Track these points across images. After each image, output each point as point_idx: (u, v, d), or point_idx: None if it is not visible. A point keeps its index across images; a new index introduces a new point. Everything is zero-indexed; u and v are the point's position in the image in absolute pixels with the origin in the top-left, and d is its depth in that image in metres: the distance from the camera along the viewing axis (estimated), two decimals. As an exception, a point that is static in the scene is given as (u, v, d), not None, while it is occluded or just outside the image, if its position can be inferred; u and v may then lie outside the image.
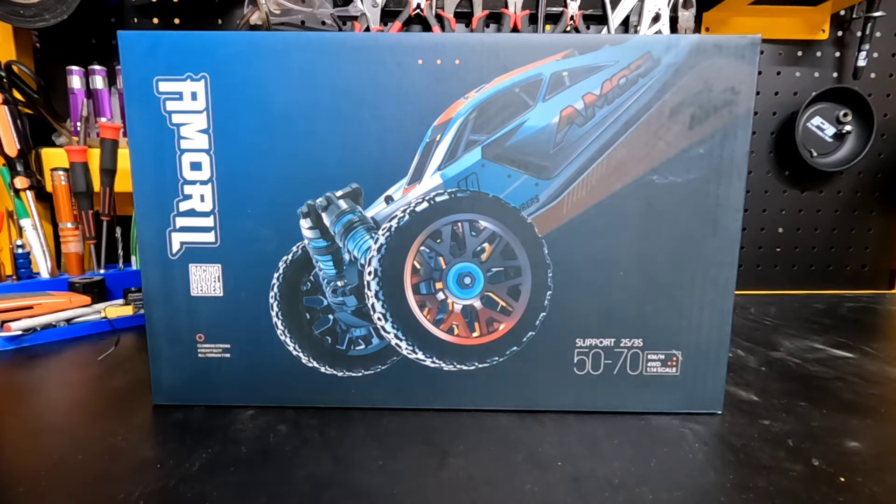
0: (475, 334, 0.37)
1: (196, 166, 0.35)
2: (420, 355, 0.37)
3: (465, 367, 0.38)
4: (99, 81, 0.68)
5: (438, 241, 0.36)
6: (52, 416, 0.37)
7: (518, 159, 0.35)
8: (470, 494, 0.28)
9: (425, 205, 0.36)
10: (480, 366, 0.38)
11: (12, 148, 0.60)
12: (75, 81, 0.68)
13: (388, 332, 0.37)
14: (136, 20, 0.74)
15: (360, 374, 0.38)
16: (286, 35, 0.34)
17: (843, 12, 0.74)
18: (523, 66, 0.34)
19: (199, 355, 0.37)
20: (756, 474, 0.30)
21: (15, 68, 0.64)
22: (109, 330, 0.56)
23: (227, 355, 0.37)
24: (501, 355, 0.37)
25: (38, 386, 0.43)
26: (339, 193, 0.36)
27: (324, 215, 0.36)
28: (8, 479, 0.29)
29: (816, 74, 0.77)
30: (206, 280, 0.37)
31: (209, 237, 0.36)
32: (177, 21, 0.74)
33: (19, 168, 0.61)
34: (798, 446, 0.33)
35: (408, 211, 0.36)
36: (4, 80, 0.63)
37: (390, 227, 0.36)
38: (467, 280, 0.37)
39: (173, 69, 0.34)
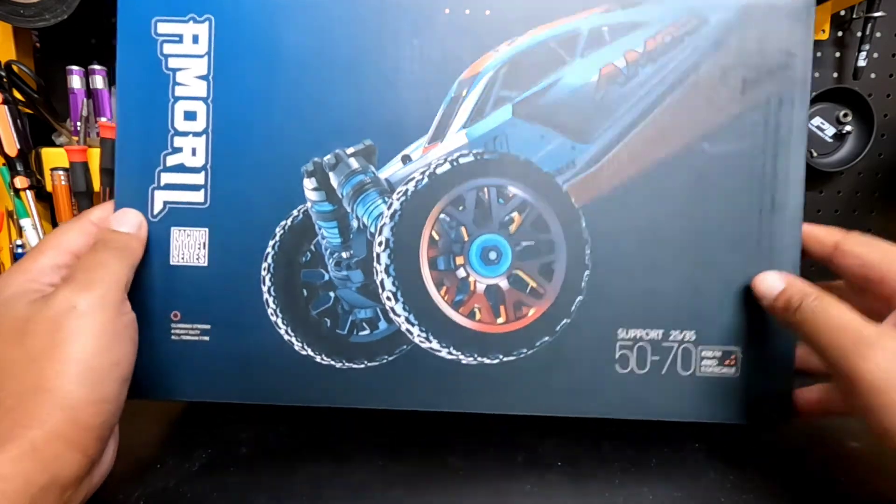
0: (500, 320, 0.32)
1: (190, 116, 0.31)
2: (434, 344, 0.32)
3: (487, 361, 0.32)
4: (99, 81, 0.66)
5: (461, 208, 0.32)
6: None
7: (553, 119, 0.32)
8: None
9: (447, 166, 0.31)
10: (506, 359, 0.32)
11: (12, 148, 0.59)
12: (75, 81, 0.66)
13: (399, 315, 0.31)
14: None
15: (361, 366, 0.32)
16: (302, -21, 0.32)
17: (843, 12, 0.74)
18: (559, 20, 0.31)
19: (173, 338, 0.32)
20: (755, 474, 0.29)
21: (15, 68, 0.63)
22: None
23: (206, 338, 0.32)
24: (531, 346, 0.32)
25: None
26: (349, 151, 0.31)
27: (331, 175, 0.31)
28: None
29: (816, 74, 0.76)
30: (189, 246, 0.31)
31: (197, 196, 0.31)
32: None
33: (19, 168, 0.59)
34: (798, 446, 0.33)
35: (427, 173, 0.31)
36: (4, 80, 0.61)
37: (406, 190, 0.31)
38: (492, 255, 0.32)
39: (175, 9, 0.31)
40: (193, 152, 0.31)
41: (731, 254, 0.32)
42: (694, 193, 0.32)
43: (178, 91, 0.31)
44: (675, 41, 0.32)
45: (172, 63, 0.31)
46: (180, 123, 0.31)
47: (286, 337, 0.32)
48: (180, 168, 0.31)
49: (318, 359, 0.32)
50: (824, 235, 0.30)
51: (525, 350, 0.32)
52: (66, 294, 0.25)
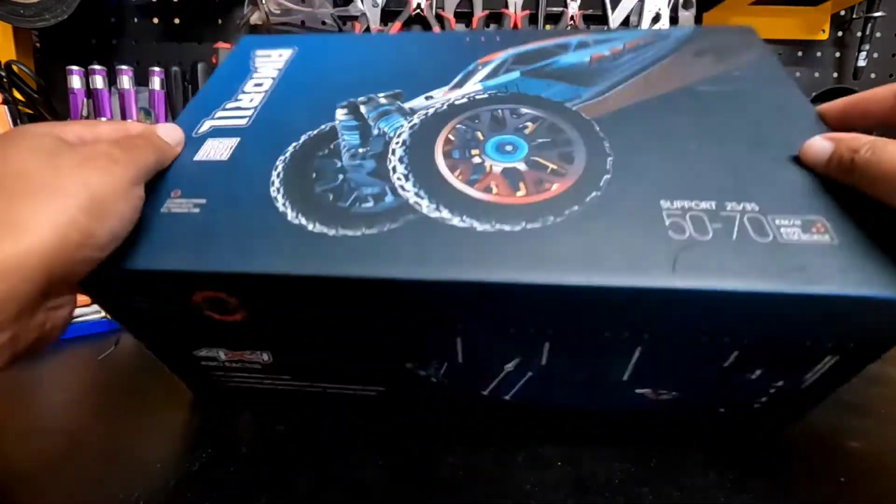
0: (520, 193, 0.28)
1: (258, 84, 0.39)
2: (445, 213, 0.27)
3: (507, 228, 0.26)
4: (99, 81, 0.68)
5: (476, 121, 0.33)
6: (51, 416, 0.37)
7: (557, 76, 0.37)
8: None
9: (465, 100, 0.35)
10: (530, 226, 0.26)
11: (11, 147, 0.59)
12: (75, 81, 0.67)
13: (408, 191, 0.29)
14: (136, 20, 0.73)
15: (358, 234, 0.27)
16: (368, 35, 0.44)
17: (843, 12, 0.75)
18: (553, 38, 0.41)
19: (163, 210, 0.29)
20: (755, 474, 0.28)
21: (15, 68, 0.64)
22: (109, 329, 0.51)
23: (196, 210, 0.29)
24: (559, 214, 0.27)
25: (37, 385, 0.41)
26: (381, 95, 0.36)
27: (362, 108, 0.35)
28: (7, 480, 0.29)
29: (816, 74, 0.73)
30: (216, 149, 0.33)
31: (241, 122, 0.35)
32: (177, 21, 0.72)
33: (18, 167, 0.58)
34: (798, 446, 0.31)
35: (447, 103, 0.35)
36: (4, 80, 0.62)
37: (426, 111, 0.34)
38: (508, 148, 0.31)
39: (270, 45, 0.43)
40: (251, 100, 0.37)
41: (777, 133, 0.30)
42: (705, 104, 0.33)
43: (255, 75, 0.40)
44: (647, 44, 0.40)
45: (257, 63, 0.41)
46: (249, 87, 0.38)
47: (281, 209, 0.29)
48: (235, 108, 0.36)
49: (310, 227, 0.27)
50: (880, 92, 0.28)
51: (552, 217, 0.27)
52: (103, 145, 0.26)
